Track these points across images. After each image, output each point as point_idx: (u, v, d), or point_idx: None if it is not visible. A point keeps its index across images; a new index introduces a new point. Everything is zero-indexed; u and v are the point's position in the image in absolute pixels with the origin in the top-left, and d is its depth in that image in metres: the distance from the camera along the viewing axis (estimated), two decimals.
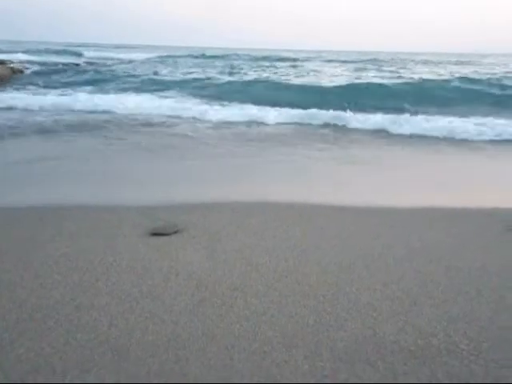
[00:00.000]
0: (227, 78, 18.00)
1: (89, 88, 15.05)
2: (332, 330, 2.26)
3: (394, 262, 3.02)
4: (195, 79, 17.84)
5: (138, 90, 14.69)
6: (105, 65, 25.74)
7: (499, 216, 3.97)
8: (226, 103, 12.17)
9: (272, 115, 10.05)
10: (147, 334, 2.21)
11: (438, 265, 3.00)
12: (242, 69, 24.10)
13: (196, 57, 37.53)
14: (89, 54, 41.66)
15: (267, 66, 26.73)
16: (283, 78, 18.92)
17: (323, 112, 10.15)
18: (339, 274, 2.85)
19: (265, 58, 36.52)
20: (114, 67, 23.63)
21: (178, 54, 43.72)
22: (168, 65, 26.97)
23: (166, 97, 13.10)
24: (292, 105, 10.97)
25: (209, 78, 17.84)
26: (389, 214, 4.06)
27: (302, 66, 27.64)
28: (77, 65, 24.73)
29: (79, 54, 39.39)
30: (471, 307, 2.49)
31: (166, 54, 40.94)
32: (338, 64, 31.27)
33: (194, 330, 2.24)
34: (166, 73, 21.01)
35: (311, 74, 21.70)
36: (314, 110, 10.28)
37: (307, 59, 39.91)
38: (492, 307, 2.49)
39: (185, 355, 2.06)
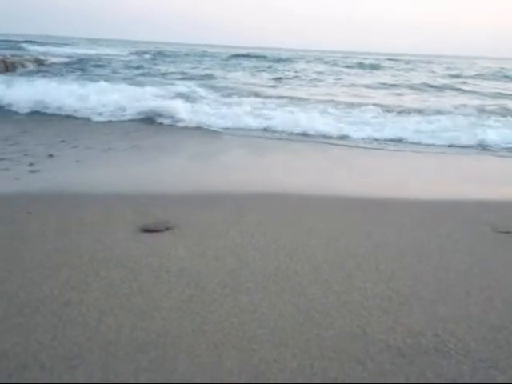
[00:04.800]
0: None
1: None
2: (321, 328, 2.27)
3: (384, 261, 3.03)
4: None
5: None
6: None
7: (488, 217, 4.00)
8: None
9: None
10: (136, 330, 2.20)
11: (428, 265, 3.02)
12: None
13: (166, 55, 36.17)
14: (31, 47, 35.48)
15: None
16: None
17: None
18: (330, 272, 2.85)
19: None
20: None
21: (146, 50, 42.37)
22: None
23: None
24: None
25: None
26: (380, 209, 4.08)
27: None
28: None
29: (18, 48, 33.05)
30: (460, 307, 2.51)
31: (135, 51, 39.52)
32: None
33: (183, 327, 2.23)
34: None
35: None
36: None
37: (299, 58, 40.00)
38: (480, 307, 2.51)
39: (174, 352, 2.05)
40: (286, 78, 20.72)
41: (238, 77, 19.95)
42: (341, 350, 2.10)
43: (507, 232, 3.67)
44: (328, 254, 3.12)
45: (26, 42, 42.28)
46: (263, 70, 24.88)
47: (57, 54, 29.13)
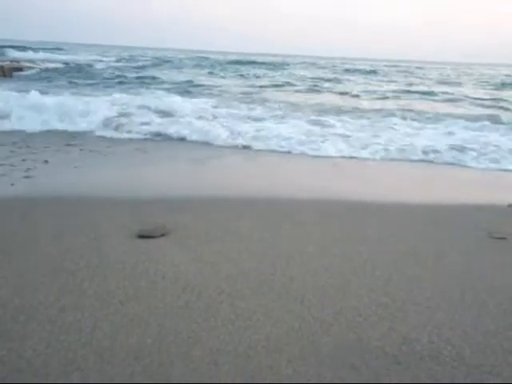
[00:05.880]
0: None
1: None
2: (317, 334, 2.27)
3: (381, 267, 3.04)
4: None
5: None
6: None
7: (484, 223, 4.02)
8: None
9: None
10: (131, 336, 2.19)
11: (423, 271, 3.03)
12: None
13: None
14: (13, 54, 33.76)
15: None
16: None
17: None
18: (326, 278, 2.86)
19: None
20: None
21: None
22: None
23: None
24: None
25: None
26: (376, 215, 4.09)
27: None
28: None
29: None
30: (454, 313, 2.51)
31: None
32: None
33: (178, 333, 2.23)
34: None
35: None
36: None
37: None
38: (475, 313, 2.52)
39: (169, 358, 2.05)
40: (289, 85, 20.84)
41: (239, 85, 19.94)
42: (336, 357, 2.10)
43: (503, 238, 3.69)
44: (324, 259, 3.13)
45: (11, 47, 41.27)
46: (260, 77, 25.01)
47: (51, 59, 28.98)
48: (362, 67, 39.06)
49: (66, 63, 26.45)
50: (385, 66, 49.67)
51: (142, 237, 3.37)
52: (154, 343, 2.15)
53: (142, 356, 2.05)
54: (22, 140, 7.13)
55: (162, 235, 3.42)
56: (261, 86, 19.73)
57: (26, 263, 2.89)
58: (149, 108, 9.98)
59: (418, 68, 47.72)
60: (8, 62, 20.92)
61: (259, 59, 45.60)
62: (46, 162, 5.78)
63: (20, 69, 20.19)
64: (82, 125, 8.45)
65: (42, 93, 10.59)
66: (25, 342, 2.12)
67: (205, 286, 2.69)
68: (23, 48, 41.69)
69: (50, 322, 2.27)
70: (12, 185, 4.67)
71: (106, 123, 8.56)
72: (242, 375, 1.96)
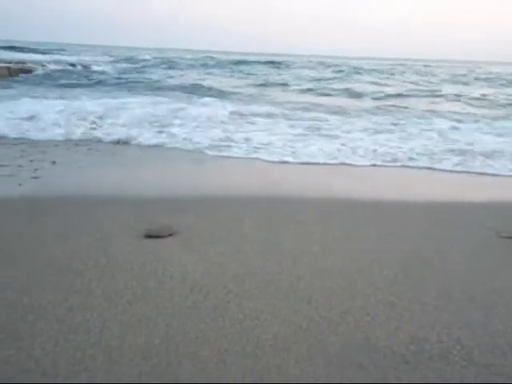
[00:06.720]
0: None
1: None
2: (324, 334, 2.27)
3: (387, 267, 3.03)
4: None
5: None
6: None
7: (491, 222, 3.99)
8: None
9: None
10: (140, 336, 2.20)
11: (430, 270, 3.02)
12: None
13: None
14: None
15: None
16: None
17: None
18: (332, 278, 2.85)
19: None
20: None
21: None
22: None
23: None
24: None
25: None
26: (380, 213, 4.08)
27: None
28: None
29: None
30: (462, 313, 2.50)
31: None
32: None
33: (186, 333, 2.23)
34: None
35: None
36: None
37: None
38: (484, 313, 2.50)
39: (177, 358, 2.05)
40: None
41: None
42: (344, 356, 2.10)
43: (511, 237, 3.66)
44: (329, 259, 3.12)
45: (12, 48, 40.79)
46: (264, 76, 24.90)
47: (55, 60, 28.97)
48: (367, 67, 38.82)
49: (72, 64, 26.54)
50: (389, 64, 49.37)
51: (149, 236, 3.38)
52: (162, 343, 2.15)
53: (150, 356, 2.06)
54: (29, 142, 7.17)
55: (170, 235, 3.42)
56: (269, 86, 19.65)
57: (33, 263, 2.91)
58: (152, 110, 10.02)
59: (425, 66, 47.40)
60: (12, 64, 21.12)
61: (263, 59, 45.38)
62: (54, 162, 5.81)
63: (29, 71, 20.41)
64: (87, 126, 8.51)
65: (48, 96, 10.70)
66: (33, 340, 2.13)
67: (212, 286, 2.69)
68: (28, 49, 41.68)
69: (59, 322, 2.28)
70: (20, 185, 4.70)
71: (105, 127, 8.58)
72: (250, 375, 1.96)
